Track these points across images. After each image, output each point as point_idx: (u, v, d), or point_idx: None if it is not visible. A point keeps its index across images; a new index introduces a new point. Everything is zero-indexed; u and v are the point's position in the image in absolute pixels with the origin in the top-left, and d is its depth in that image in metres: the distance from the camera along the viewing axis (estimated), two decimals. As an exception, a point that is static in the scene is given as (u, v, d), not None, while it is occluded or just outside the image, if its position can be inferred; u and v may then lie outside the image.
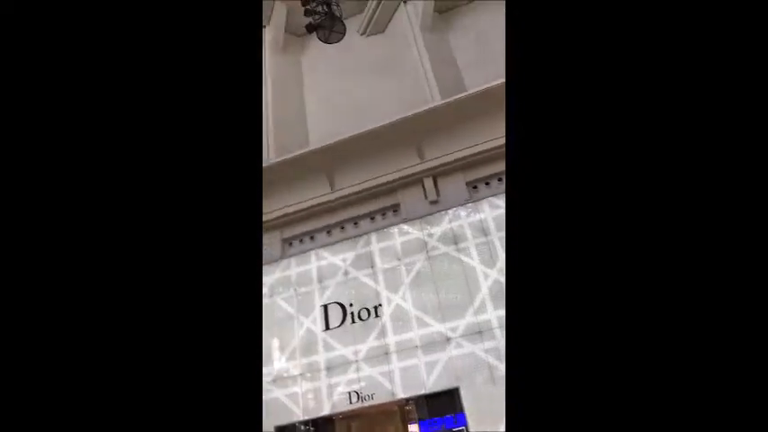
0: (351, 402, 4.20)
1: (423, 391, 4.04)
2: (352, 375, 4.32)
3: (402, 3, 6.71)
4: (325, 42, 5.61)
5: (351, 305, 4.67)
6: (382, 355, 4.31)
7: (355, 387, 4.26)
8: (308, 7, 5.37)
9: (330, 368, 4.42)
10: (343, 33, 5.50)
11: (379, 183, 5.17)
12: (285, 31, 7.03)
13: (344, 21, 5.62)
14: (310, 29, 5.43)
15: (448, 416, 3.89)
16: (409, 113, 5.08)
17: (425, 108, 5.12)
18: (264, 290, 5.06)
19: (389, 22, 6.88)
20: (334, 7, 5.44)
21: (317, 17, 5.36)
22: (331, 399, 4.29)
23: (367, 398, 4.18)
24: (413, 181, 5.10)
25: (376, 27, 6.90)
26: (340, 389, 4.30)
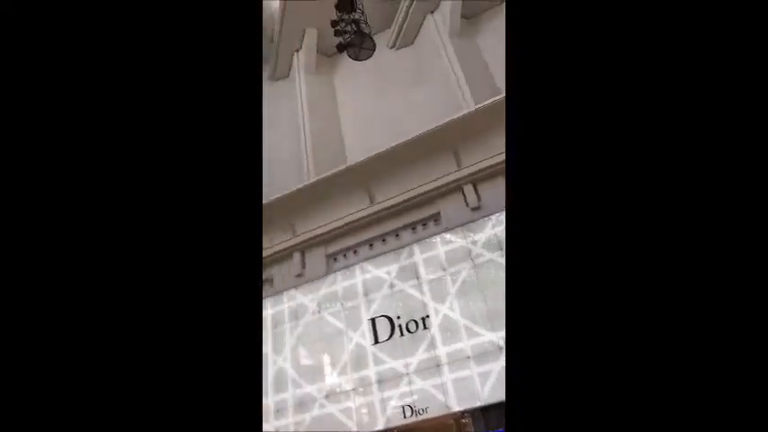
0: (405, 417, 4.16)
1: (478, 403, 3.94)
2: (404, 389, 4.28)
3: (429, 13, 6.75)
4: (356, 60, 5.72)
5: (398, 318, 4.65)
6: (433, 367, 4.25)
7: (408, 400, 4.21)
8: (338, 28, 5.52)
9: (381, 381, 4.41)
10: (373, 49, 5.58)
11: (418, 193, 5.16)
12: (317, 53, 7.24)
13: (373, 37, 5.71)
14: (341, 48, 5.56)
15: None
16: (444, 121, 5.07)
17: (460, 115, 5.09)
18: (313, 306, 5.15)
19: (418, 33, 6.93)
20: (363, 25, 5.55)
21: (346, 36, 5.48)
22: (385, 413, 4.26)
23: (421, 411, 4.12)
24: (452, 188, 5.06)
25: (404, 40, 6.97)
26: (393, 403, 4.27)
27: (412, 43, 6.99)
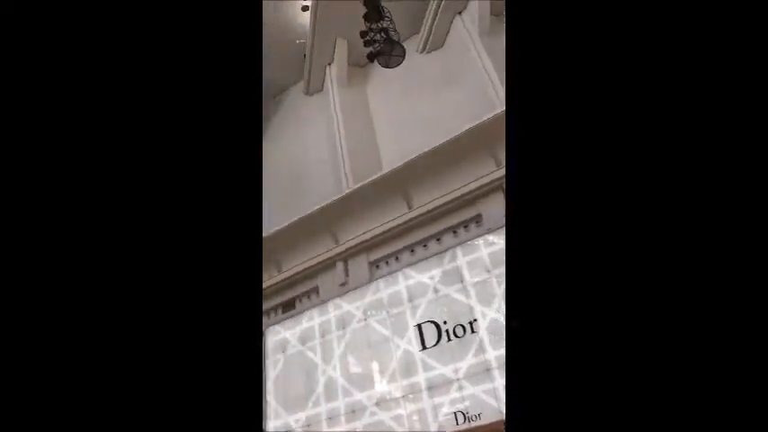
0: (458, 423, 4.08)
1: (533, 409, 3.81)
2: (455, 395, 4.21)
3: (457, 14, 6.70)
4: (386, 67, 5.75)
5: (445, 323, 4.60)
6: (483, 371, 4.16)
7: (460, 407, 4.14)
8: (367, 38, 5.59)
9: (431, 388, 4.36)
10: (403, 56, 5.60)
11: (457, 195, 5.09)
12: (349, 65, 7.37)
13: (403, 43, 5.74)
14: (371, 57, 5.62)
15: (565, 434, 3.61)
16: (479, 121, 4.99)
17: (495, 113, 4.99)
18: (359, 314, 5.20)
19: (447, 35, 6.89)
20: (392, 32, 5.59)
21: (376, 45, 5.54)
22: (437, 420, 4.21)
23: (474, 418, 4.03)
24: (492, 189, 4.95)
25: (434, 43, 6.95)
26: (444, 409, 4.21)
27: (442, 46, 6.95)
